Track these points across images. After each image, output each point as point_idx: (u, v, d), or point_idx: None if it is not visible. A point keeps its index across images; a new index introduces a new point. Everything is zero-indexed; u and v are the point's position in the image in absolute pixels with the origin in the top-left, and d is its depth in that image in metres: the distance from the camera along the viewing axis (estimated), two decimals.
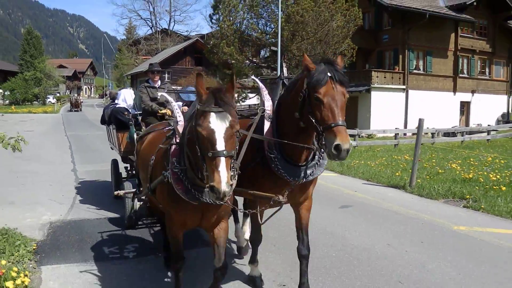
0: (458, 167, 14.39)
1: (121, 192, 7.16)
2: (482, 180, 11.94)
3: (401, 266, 6.21)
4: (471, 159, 16.95)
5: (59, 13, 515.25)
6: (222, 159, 3.63)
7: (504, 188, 10.92)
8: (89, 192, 11.14)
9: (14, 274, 5.04)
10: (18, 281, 4.91)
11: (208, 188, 3.70)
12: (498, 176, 12.49)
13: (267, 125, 4.97)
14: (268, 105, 5.13)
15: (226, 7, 26.56)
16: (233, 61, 25.98)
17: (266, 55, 27.46)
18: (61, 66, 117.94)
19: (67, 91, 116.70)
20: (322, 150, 4.68)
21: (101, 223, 8.30)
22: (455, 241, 7.41)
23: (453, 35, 35.67)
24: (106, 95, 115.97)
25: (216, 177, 3.57)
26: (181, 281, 5.02)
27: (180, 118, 5.06)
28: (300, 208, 5.36)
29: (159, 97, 8.47)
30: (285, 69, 25.67)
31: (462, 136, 28.40)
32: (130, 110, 9.14)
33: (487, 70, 38.97)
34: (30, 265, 6.01)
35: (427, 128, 29.41)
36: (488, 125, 32.17)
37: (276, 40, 24.53)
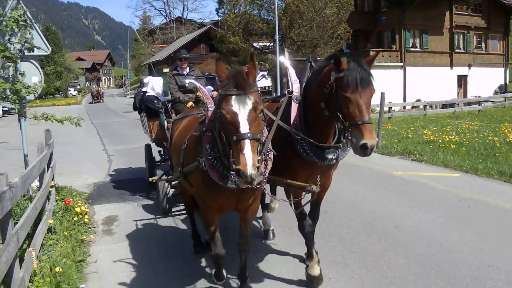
0: (430, 133, 16.89)
1: (155, 178, 6.85)
2: (440, 141, 14.48)
3: (348, 193, 8.90)
4: (449, 127, 19.42)
5: (73, 6, 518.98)
6: (247, 142, 3.61)
7: (453, 146, 13.48)
8: (119, 163, 13.95)
9: (78, 205, 7.78)
10: (83, 208, 7.64)
11: (235, 172, 3.71)
12: (457, 139, 15.00)
13: (294, 107, 4.99)
14: (296, 87, 5.13)
15: (230, 1, 29.43)
16: (239, 50, 28.71)
17: (270, 44, 29.99)
18: (79, 59, 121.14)
19: (87, 82, 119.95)
20: (346, 134, 4.52)
21: (131, 182, 11.09)
22: (390, 181, 10.10)
23: (448, 13, 37.62)
24: (124, 84, 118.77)
25: (242, 160, 3.55)
26: (223, 274, 5.06)
27: (211, 103, 4.91)
28: (320, 190, 5.25)
29: (187, 84, 8.57)
30: (286, 54, 28.17)
31: (459, 106, 30.86)
32: (159, 98, 9.18)
33: (483, 44, 40.82)
34: (86, 205, 8.78)
35: (420, 101, 31.95)
36: (478, 96, 34.20)
37: (278, 28, 27.20)
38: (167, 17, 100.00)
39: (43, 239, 5.99)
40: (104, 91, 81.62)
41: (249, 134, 3.62)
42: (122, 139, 20.26)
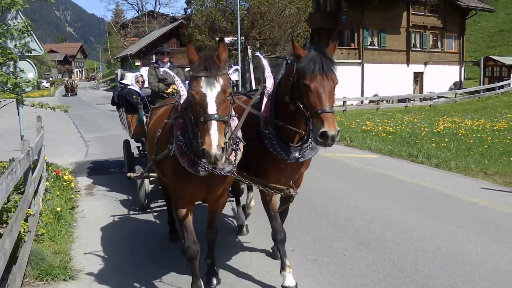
0: (370, 124, 19.17)
1: (133, 175, 6.92)
2: (375, 131, 16.77)
3: None
4: (392, 119, 21.76)
5: None
6: (214, 123, 3.69)
7: (383, 135, 15.78)
8: (95, 147, 15.91)
9: (66, 175, 9.76)
10: (69, 177, 9.60)
11: (200, 152, 3.78)
12: (391, 129, 17.32)
13: (265, 102, 5.06)
14: (270, 82, 5.19)
15: (197, 1, 31.66)
16: (205, 47, 30.88)
17: (233, 40, 32.15)
18: (52, 51, 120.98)
19: (59, 75, 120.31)
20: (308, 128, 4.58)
21: (107, 161, 13.10)
22: (319, 160, 12.26)
23: (405, 13, 39.92)
24: (92, 79, 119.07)
25: (207, 140, 3.63)
26: (198, 270, 4.88)
27: (183, 92, 5.01)
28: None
29: (161, 72, 8.71)
30: (249, 51, 30.45)
31: (414, 101, 33.43)
32: (140, 93, 9.27)
33: (439, 43, 43.28)
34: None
35: (377, 96, 34.32)
36: (431, 92, 36.74)
37: (241, 27, 29.43)
38: (139, 11, 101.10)
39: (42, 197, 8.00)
40: (78, 84, 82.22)
41: (216, 116, 3.73)
42: (96, 128, 22.14)
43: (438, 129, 17.01)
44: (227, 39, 33.52)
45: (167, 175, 4.96)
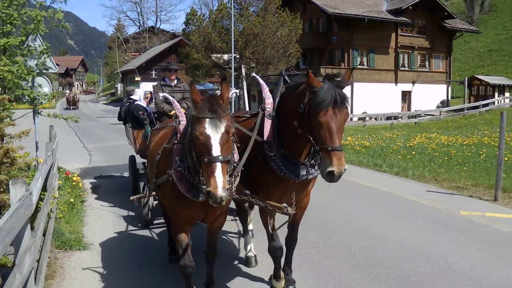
0: (351, 139, 20.77)
1: (135, 198, 6.67)
2: (352, 145, 18.40)
3: None
4: (373, 135, 23.43)
5: (47, 10, 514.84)
6: (218, 165, 3.76)
7: (358, 148, 17.41)
8: (98, 156, 17.53)
9: (74, 176, 11.36)
10: (77, 178, 11.19)
11: (205, 193, 3.83)
12: (368, 143, 18.97)
13: (267, 123, 4.99)
14: (269, 102, 5.14)
15: (195, 23, 33.74)
16: (201, 65, 32.73)
17: (228, 58, 33.99)
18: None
19: (60, 87, 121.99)
20: (316, 156, 4.52)
21: (109, 167, 14.71)
22: None
23: (393, 34, 41.84)
24: (91, 92, 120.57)
25: (212, 183, 3.70)
26: (192, 286, 5.03)
27: (182, 118, 5.03)
28: (296, 207, 5.21)
29: (161, 97, 8.56)
30: (243, 69, 32.33)
31: (402, 119, 35.18)
32: (147, 109, 9.34)
33: (427, 63, 45.08)
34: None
35: (366, 113, 36.00)
36: (416, 110, 38.46)
37: (235, 47, 31.40)
38: (140, 27, 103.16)
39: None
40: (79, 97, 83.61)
41: (220, 157, 3.77)
42: (97, 139, 23.77)
43: (411, 144, 18.64)
44: (222, 56, 35.43)
45: (166, 197, 5.08)
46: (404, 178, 12.37)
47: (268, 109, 5.08)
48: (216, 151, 3.80)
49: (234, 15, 31.70)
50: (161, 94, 8.49)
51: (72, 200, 8.62)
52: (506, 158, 13.41)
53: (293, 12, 37.80)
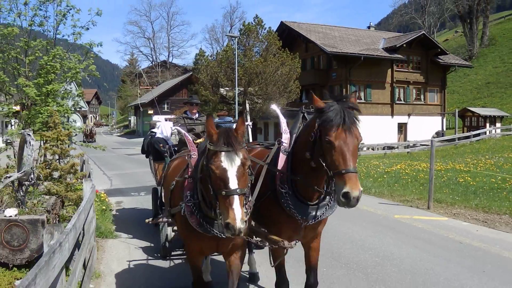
0: None
1: (151, 220, 6.98)
2: None
3: None
4: (362, 163, 26.07)
5: (61, 42, 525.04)
6: (236, 197, 3.81)
7: None
8: (117, 180, 20.40)
9: (102, 194, 14.16)
10: (103, 195, 13.97)
11: (223, 225, 3.84)
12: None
13: (282, 158, 4.90)
14: (286, 137, 5.05)
15: (203, 63, 37.27)
16: (209, 101, 35.97)
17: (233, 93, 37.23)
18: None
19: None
20: (331, 183, 4.21)
21: (128, 189, 17.50)
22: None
23: (389, 70, 44.72)
24: (102, 125, 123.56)
25: (231, 215, 3.75)
26: None
27: (194, 151, 5.14)
28: (308, 249, 5.30)
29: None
30: (247, 105, 35.46)
31: (399, 149, 37.82)
32: (167, 141, 9.34)
33: (422, 96, 47.83)
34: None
35: (363, 144, 38.65)
36: (407, 140, 41.10)
37: (239, 84, 34.68)
38: (153, 62, 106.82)
39: None
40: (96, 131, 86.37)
41: (238, 190, 3.83)
42: (115, 167, 26.72)
43: (389, 170, 21.28)
44: (227, 92, 38.65)
45: (179, 228, 5.29)
46: (367, 195, 15.03)
47: (284, 144, 5.01)
48: (233, 184, 3.86)
49: (238, 55, 35.24)
50: (173, 127, 9.08)
51: (104, 207, 11.44)
52: (462, 180, 16.16)
53: (297, 50, 41.32)
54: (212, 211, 4.27)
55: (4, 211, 6.69)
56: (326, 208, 4.86)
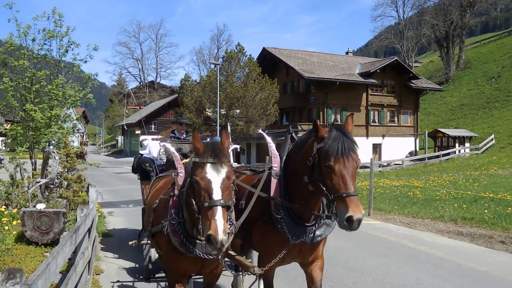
0: None
1: (134, 242, 6.60)
2: None
3: None
4: None
5: (62, 72, 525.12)
6: (219, 208, 3.73)
7: None
8: (107, 195, 22.61)
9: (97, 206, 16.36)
10: (97, 206, 16.16)
11: (205, 238, 3.74)
12: None
13: (274, 183, 4.88)
14: (276, 161, 5.04)
15: (187, 88, 39.94)
16: (193, 123, 38.39)
17: (215, 115, 39.75)
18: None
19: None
20: (331, 207, 4.16)
21: (117, 202, 19.68)
22: None
23: (364, 94, 47.26)
24: (86, 144, 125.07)
25: (213, 226, 3.64)
26: None
27: (181, 170, 5.03)
28: (311, 268, 5.14)
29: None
30: (229, 127, 37.94)
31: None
32: (155, 161, 9.16)
33: (395, 118, 50.29)
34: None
35: None
36: (379, 160, 43.59)
37: (221, 108, 37.29)
38: (141, 82, 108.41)
39: None
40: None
41: (221, 201, 3.78)
42: (104, 184, 28.80)
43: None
44: (209, 113, 41.14)
45: (162, 249, 5.03)
46: None
47: (275, 168, 5.01)
48: (217, 195, 3.81)
49: (220, 81, 37.90)
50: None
51: (99, 213, 13.65)
52: (411, 194, 18.53)
53: (278, 74, 44.25)
54: (197, 229, 4.18)
55: (36, 205, 9.08)
56: (324, 227, 4.89)
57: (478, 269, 9.00)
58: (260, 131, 6.51)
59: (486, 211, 14.02)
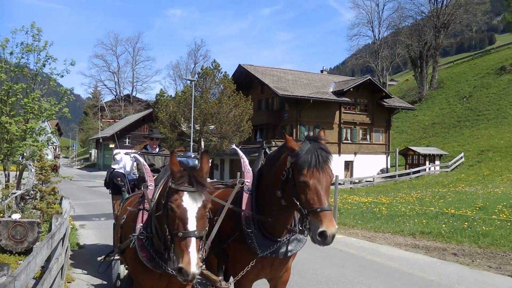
0: None
1: (101, 259, 6.63)
2: None
3: None
4: None
5: (22, 70, 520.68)
6: (193, 240, 3.63)
7: None
8: (80, 209, 22.76)
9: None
10: (69, 218, 16.44)
11: (176, 269, 3.64)
12: None
13: (245, 197, 4.83)
14: (248, 176, 5.00)
15: (162, 103, 40.40)
16: (167, 138, 38.78)
17: (188, 131, 40.27)
18: None
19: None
20: (305, 222, 4.17)
21: (89, 215, 19.94)
22: None
23: (337, 112, 48.21)
24: (57, 157, 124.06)
25: (185, 259, 3.56)
26: None
27: (151, 183, 4.94)
28: (276, 282, 5.16)
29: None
30: (202, 142, 38.41)
31: (344, 184, 40.83)
32: (128, 176, 8.95)
33: (368, 136, 51.27)
34: None
35: None
36: (351, 177, 44.41)
37: (195, 124, 37.77)
38: (116, 96, 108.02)
39: None
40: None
41: (196, 232, 3.67)
42: (77, 198, 28.74)
43: None
44: (184, 128, 41.63)
45: (129, 264, 4.96)
46: None
47: (247, 183, 4.95)
48: (191, 225, 3.71)
49: (195, 97, 38.41)
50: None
51: (71, 226, 13.95)
52: (376, 209, 19.13)
53: (253, 91, 45.20)
54: (164, 248, 4.15)
55: (11, 215, 9.43)
56: (295, 242, 4.85)
57: (428, 278, 9.61)
58: (234, 146, 6.47)
59: (443, 225, 14.73)
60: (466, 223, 14.77)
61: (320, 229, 3.90)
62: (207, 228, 4.02)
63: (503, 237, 12.83)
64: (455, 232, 13.81)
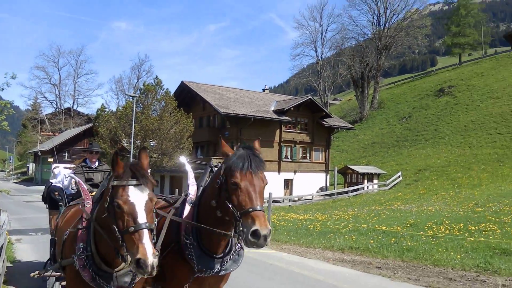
0: None
1: (36, 273, 6.07)
2: None
3: None
4: None
5: None
6: (145, 232, 3.62)
7: None
8: (16, 223, 22.43)
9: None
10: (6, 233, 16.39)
11: (133, 263, 3.57)
12: None
13: (187, 209, 4.84)
14: (192, 189, 5.01)
15: (103, 118, 40.30)
16: (107, 154, 38.67)
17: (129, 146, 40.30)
18: None
19: None
20: (238, 246, 4.48)
21: (26, 230, 19.76)
22: None
23: (278, 130, 49.07)
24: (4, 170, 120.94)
25: (141, 249, 3.53)
26: None
27: (88, 200, 4.90)
28: None
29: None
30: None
31: (283, 202, 41.63)
32: (66, 190, 8.71)
33: (307, 155, 52.35)
34: None
35: None
36: (290, 195, 45.31)
37: (136, 140, 37.95)
38: (57, 109, 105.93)
39: None
40: None
41: (147, 224, 3.67)
42: (14, 212, 28.12)
43: None
44: (125, 144, 41.59)
45: (70, 283, 4.82)
46: None
47: (191, 196, 4.96)
48: (141, 218, 3.71)
49: (136, 113, 38.58)
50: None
51: (8, 240, 13.94)
52: (311, 226, 19.82)
53: (195, 108, 45.34)
54: (104, 265, 4.22)
55: None
56: (228, 261, 4.78)
57: None
58: (182, 158, 6.21)
59: (371, 241, 15.60)
60: (394, 239, 15.68)
61: (253, 228, 3.88)
62: (155, 222, 4.04)
63: (426, 252, 13.68)
64: (382, 247, 14.65)
